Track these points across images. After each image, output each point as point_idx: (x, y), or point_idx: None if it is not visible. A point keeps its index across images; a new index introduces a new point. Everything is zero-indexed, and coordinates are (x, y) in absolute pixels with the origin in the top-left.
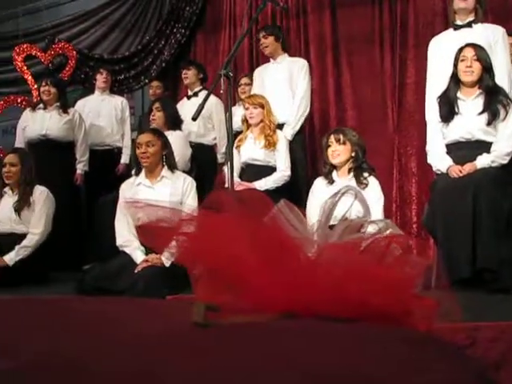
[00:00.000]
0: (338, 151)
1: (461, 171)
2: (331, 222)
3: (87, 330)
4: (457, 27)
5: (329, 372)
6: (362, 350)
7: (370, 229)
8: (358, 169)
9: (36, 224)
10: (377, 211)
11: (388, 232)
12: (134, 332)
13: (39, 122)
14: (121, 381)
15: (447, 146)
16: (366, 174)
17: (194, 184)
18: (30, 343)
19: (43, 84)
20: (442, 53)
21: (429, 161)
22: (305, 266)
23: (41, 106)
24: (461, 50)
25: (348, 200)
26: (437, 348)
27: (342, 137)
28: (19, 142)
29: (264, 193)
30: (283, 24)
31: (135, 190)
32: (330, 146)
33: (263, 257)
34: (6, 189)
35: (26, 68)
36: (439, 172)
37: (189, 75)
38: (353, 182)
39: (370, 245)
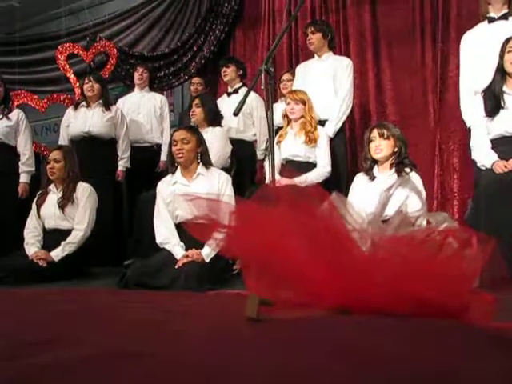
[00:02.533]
0: (381, 146)
1: (506, 166)
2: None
3: (149, 323)
4: (491, 20)
5: (404, 366)
6: (425, 342)
7: (425, 222)
8: (400, 164)
9: (80, 220)
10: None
11: (444, 226)
12: (193, 325)
13: (82, 120)
14: (183, 369)
15: (492, 141)
16: (407, 170)
17: (230, 180)
18: (105, 335)
19: (86, 81)
20: (476, 47)
21: (473, 157)
22: (360, 261)
23: (83, 103)
24: (507, 40)
25: (402, 193)
26: (493, 340)
27: (385, 132)
28: (63, 140)
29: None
30: (322, 19)
31: (172, 188)
32: (372, 140)
33: (317, 251)
34: (51, 186)
35: (68, 67)
36: (483, 168)
37: (228, 72)
38: (394, 178)
39: (426, 239)
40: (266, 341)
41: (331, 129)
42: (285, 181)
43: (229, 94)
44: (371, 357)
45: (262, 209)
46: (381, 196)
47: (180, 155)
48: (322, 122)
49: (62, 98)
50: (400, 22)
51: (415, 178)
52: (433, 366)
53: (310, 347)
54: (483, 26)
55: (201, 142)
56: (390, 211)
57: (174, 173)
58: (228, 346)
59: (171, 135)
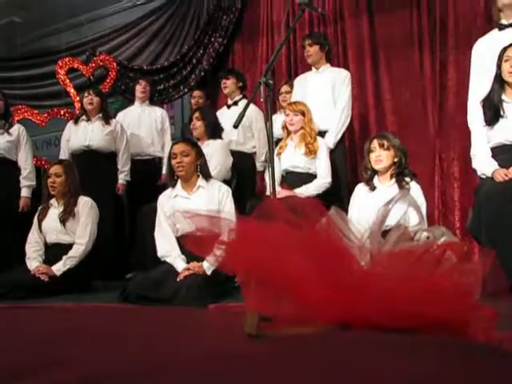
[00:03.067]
0: (382, 157)
1: (506, 175)
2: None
3: (148, 341)
4: (502, 27)
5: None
6: (421, 360)
7: (424, 236)
8: (400, 174)
9: (81, 234)
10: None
11: (443, 239)
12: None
13: (82, 134)
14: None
15: (492, 149)
16: (407, 180)
17: (230, 192)
18: (105, 354)
19: (86, 94)
20: (486, 55)
21: (474, 165)
22: (358, 276)
23: (83, 117)
24: (505, 49)
25: (400, 207)
26: (494, 357)
27: (385, 142)
28: (63, 154)
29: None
30: (320, 30)
31: (172, 201)
32: (372, 151)
33: (315, 266)
34: (52, 200)
35: (68, 81)
36: (484, 176)
37: (228, 84)
38: (394, 188)
39: (425, 253)
40: (266, 358)
41: (331, 140)
42: (285, 192)
43: (229, 107)
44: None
45: (260, 225)
46: (379, 211)
47: (180, 168)
48: (322, 133)
49: (62, 112)
50: (398, 31)
51: (415, 187)
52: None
53: (310, 365)
54: (494, 33)
55: (200, 154)
56: (390, 221)
57: (174, 186)
58: (229, 365)
59: (170, 148)
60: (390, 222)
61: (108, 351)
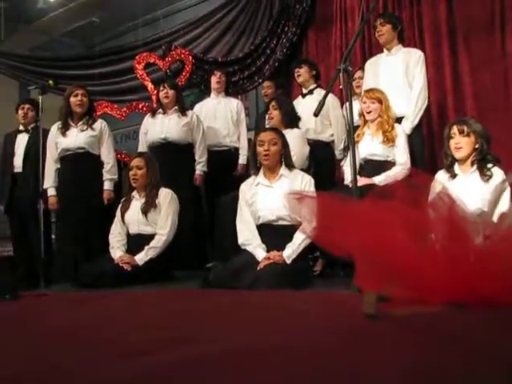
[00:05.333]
0: (461, 144)
1: None
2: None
3: (268, 320)
4: None
5: None
6: None
7: None
8: (482, 161)
9: (163, 225)
10: (504, 202)
11: None
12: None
13: (159, 126)
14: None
15: None
16: (489, 165)
17: (313, 181)
18: (233, 333)
19: (161, 88)
20: None
21: None
22: (474, 256)
23: (160, 110)
24: None
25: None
26: None
27: (465, 128)
28: (142, 147)
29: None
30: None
31: (255, 189)
32: (452, 137)
33: (431, 246)
34: (134, 192)
35: (146, 75)
36: None
37: (301, 73)
38: (476, 175)
39: None
40: (391, 338)
41: (408, 126)
42: (364, 181)
43: (304, 96)
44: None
45: (369, 205)
46: (495, 190)
47: (266, 157)
48: (398, 119)
49: (140, 106)
50: (478, 12)
51: (498, 173)
52: None
53: (435, 344)
54: None
55: (286, 144)
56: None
57: (256, 174)
58: (356, 344)
59: (256, 136)
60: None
61: (234, 330)
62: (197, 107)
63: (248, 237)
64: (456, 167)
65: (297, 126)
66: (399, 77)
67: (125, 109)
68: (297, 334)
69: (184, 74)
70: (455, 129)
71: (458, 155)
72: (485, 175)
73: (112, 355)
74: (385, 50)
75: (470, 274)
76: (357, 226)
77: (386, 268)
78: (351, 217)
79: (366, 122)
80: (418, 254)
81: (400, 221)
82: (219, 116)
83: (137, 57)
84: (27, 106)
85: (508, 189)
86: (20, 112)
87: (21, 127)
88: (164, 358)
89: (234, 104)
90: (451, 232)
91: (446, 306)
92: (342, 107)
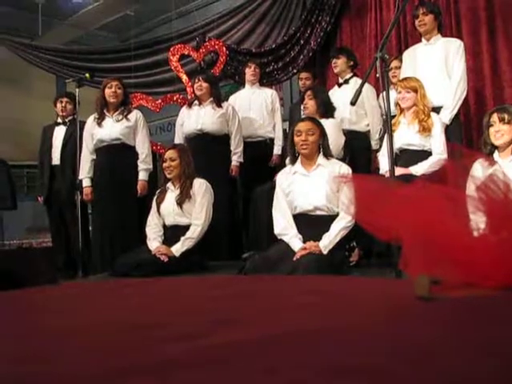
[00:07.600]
0: (502, 131)
1: None
2: None
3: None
4: None
5: None
6: None
7: None
8: None
9: (198, 216)
10: None
11: None
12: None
13: (195, 118)
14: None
15: None
16: None
17: (350, 171)
18: (279, 317)
19: (196, 80)
20: None
21: None
22: None
23: (196, 102)
24: None
25: None
26: None
27: (506, 116)
28: (178, 138)
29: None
30: (431, 1)
31: (292, 178)
32: (492, 125)
33: (482, 229)
34: (169, 184)
35: (180, 67)
36: None
37: (338, 63)
38: None
39: None
40: (452, 317)
41: (447, 115)
42: (400, 170)
43: (340, 85)
44: None
45: (419, 188)
46: None
47: (304, 146)
48: (435, 109)
49: (175, 98)
50: None
51: None
52: None
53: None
54: None
55: (324, 133)
56: None
57: (293, 163)
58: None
59: (294, 125)
60: None
61: (280, 314)
62: (231, 98)
63: (284, 226)
64: (496, 155)
65: (332, 116)
66: (438, 66)
67: (159, 101)
68: (350, 316)
69: (218, 65)
70: (495, 116)
71: (498, 142)
72: None
73: (167, 338)
74: (423, 40)
75: None
76: (406, 210)
77: (437, 252)
78: (400, 200)
79: (402, 110)
80: (469, 239)
81: (451, 204)
82: (254, 107)
83: (171, 49)
84: (65, 99)
85: None
86: (58, 105)
87: (59, 119)
88: (218, 340)
89: (268, 94)
90: (506, 215)
91: (499, 290)
92: (377, 97)
